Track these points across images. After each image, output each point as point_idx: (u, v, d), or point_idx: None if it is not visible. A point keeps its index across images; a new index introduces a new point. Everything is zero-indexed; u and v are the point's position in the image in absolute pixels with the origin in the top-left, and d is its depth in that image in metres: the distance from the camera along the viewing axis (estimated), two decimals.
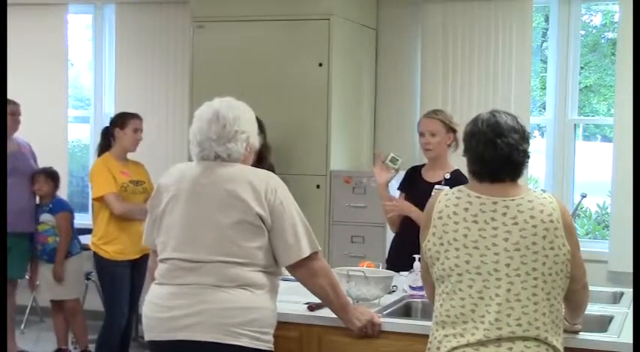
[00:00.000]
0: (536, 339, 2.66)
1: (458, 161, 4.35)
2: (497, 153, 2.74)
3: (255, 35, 6.06)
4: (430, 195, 4.10)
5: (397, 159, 4.37)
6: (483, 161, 2.76)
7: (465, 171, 4.14)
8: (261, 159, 3.32)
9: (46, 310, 6.95)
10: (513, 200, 2.73)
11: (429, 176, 4.37)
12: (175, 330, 2.96)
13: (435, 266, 2.79)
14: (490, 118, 2.78)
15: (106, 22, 7.23)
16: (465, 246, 2.72)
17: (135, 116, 5.39)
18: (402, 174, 4.55)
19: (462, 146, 4.34)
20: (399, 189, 4.59)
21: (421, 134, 4.35)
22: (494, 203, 2.73)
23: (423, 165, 4.47)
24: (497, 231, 2.70)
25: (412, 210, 4.23)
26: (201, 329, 2.93)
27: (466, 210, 2.75)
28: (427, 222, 2.82)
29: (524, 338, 2.65)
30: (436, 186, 4.22)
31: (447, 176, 4.26)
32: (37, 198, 5.96)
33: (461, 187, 2.85)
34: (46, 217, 5.84)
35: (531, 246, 2.67)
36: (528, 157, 2.80)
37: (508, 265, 2.67)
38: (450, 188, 3.95)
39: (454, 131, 4.33)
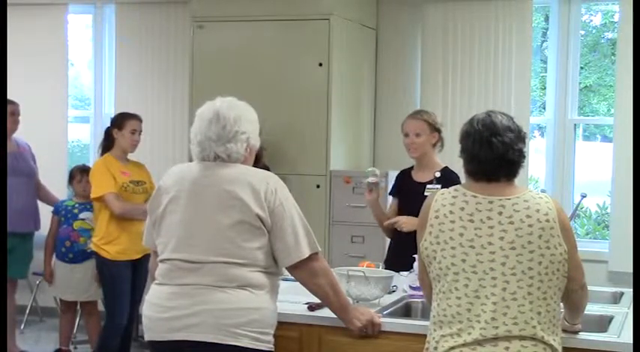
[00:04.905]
0: (533, 338, 2.67)
1: (445, 161, 4.42)
2: (492, 152, 2.75)
3: (255, 35, 6.06)
4: (422, 195, 4.13)
5: (371, 171, 4.38)
6: (479, 160, 2.77)
7: (453, 167, 4.20)
8: (257, 160, 3.32)
9: (46, 310, 6.97)
10: (509, 199, 2.74)
11: (418, 177, 4.39)
12: (175, 330, 2.97)
13: (432, 265, 2.80)
14: (485, 118, 2.80)
15: (106, 22, 7.23)
16: (461, 244, 2.73)
17: (133, 117, 5.39)
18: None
19: (446, 146, 4.41)
20: (390, 193, 4.62)
21: (406, 134, 4.37)
22: (490, 202, 2.74)
23: (411, 168, 4.48)
24: (493, 230, 2.71)
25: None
26: (202, 330, 2.93)
27: (462, 209, 2.76)
28: (424, 222, 2.83)
29: (521, 337, 2.66)
30: (428, 186, 4.25)
31: (438, 174, 4.29)
32: (76, 196, 5.92)
33: (457, 187, 2.86)
34: (87, 215, 5.74)
35: (527, 245, 2.68)
36: (524, 157, 2.81)
37: (504, 264, 2.68)
38: (442, 185, 3.98)
39: (438, 131, 4.36)
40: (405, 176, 4.49)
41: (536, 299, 2.67)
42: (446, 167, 4.36)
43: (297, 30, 5.96)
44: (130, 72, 7.03)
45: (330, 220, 5.93)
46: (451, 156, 4.14)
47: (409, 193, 4.35)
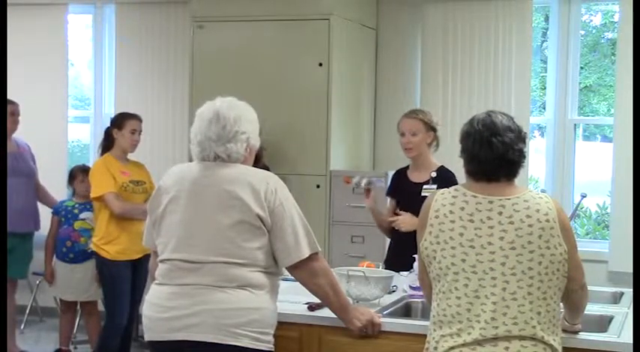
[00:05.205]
0: (532, 338, 2.67)
1: (445, 161, 4.41)
2: (492, 152, 2.75)
3: (255, 35, 6.06)
4: (419, 195, 4.12)
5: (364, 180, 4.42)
6: (479, 160, 2.77)
7: (453, 167, 4.19)
8: (257, 160, 3.32)
9: (46, 310, 6.97)
10: (509, 199, 2.74)
11: (414, 177, 4.38)
12: (175, 330, 2.97)
13: (432, 265, 2.80)
14: (486, 118, 2.80)
15: (106, 22, 7.23)
16: (461, 244, 2.73)
17: (133, 117, 5.39)
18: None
19: (445, 145, 4.41)
20: (387, 194, 4.60)
21: (402, 134, 4.36)
22: (490, 202, 2.74)
23: (407, 167, 4.47)
24: (493, 230, 2.71)
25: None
26: (201, 330, 2.93)
27: (462, 209, 2.76)
28: (424, 222, 2.83)
29: (521, 337, 2.66)
30: (425, 186, 4.23)
31: (434, 174, 4.28)
32: (76, 196, 5.93)
33: (457, 186, 2.86)
34: (87, 215, 5.75)
35: (527, 245, 2.68)
36: (524, 157, 2.81)
37: (504, 264, 2.68)
38: (438, 185, 3.98)
39: (434, 130, 4.35)
40: (400, 176, 4.48)
41: (536, 299, 2.67)
42: (442, 166, 4.35)
43: (297, 30, 5.96)
44: (130, 72, 7.03)
45: (330, 220, 5.92)
46: (451, 156, 4.15)
47: (405, 193, 4.34)
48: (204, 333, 2.93)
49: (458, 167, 3.01)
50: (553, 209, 2.73)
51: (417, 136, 4.31)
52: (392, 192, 4.54)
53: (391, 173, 4.67)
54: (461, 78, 6.30)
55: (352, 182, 4.53)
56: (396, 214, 4.34)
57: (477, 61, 6.26)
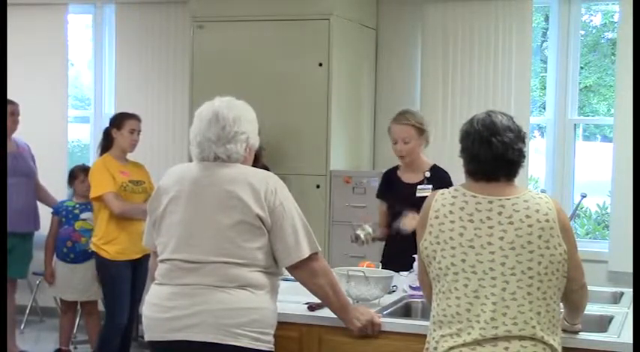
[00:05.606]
0: (532, 338, 2.67)
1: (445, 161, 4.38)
2: (492, 152, 2.75)
3: (255, 35, 6.06)
4: (413, 196, 4.07)
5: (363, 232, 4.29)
6: (479, 160, 2.77)
7: (449, 166, 4.16)
8: (256, 159, 3.31)
9: (46, 310, 6.97)
10: (509, 199, 2.74)
11: (407, 178, 4.30)
12: (175, 330, 2.97)
13: (432, 265, 2.80)
14: (485, 118, 2.80)
15: (106, 22, 7.23)
16: (460, 244, 2.73)
17: (132, 117, 5.39)
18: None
19: (444, 145, 4.38)
20: (377, 196, 4.50)
21: (394, 142, 4.24)
22: (490, 202, 2.74)
23: (397, 167, 4.39)
24: (493, 230, 2.71)
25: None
26: (201, 330, 2.93)
27: (462, 209, 2.76)
28: (423, 222, 2.83)
29: (521, 337, 2.66)
30: (419, 187, 4.18)
31: (428, 174, 4.21)
32: (76, 196, 5.94)
33: (457, 186, 2.86)
34: (88, 215, 5.75)
35: (527, 245, 2.68)
36: (524, 157, 2.81)
37: (503, 264, 2.68)
38: (433, 185, 3.94)
39: (426, 131, 4.26)
40: (391, 177, 4.39)
41: (535, 299, 2.67)
42: (435, 165, 4.29)
43: (297, 30, 5.96)
44: (130, 72, 7.03)
45: (330, 220, 5.92)
46: (450, 155, 4.14)
47: (397, 195, 4.26)
48: (204, 333, 2.93)
49: (458, 166, 3.00)
50: (553, 209, 2.73)
51: (409, 144, 4.22)
52: (383, 193, 4.46)
53: None
54: (461, 78, 6.30)
55: (360, 236, 4.29)
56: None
57: (477, 61, 6.26)
